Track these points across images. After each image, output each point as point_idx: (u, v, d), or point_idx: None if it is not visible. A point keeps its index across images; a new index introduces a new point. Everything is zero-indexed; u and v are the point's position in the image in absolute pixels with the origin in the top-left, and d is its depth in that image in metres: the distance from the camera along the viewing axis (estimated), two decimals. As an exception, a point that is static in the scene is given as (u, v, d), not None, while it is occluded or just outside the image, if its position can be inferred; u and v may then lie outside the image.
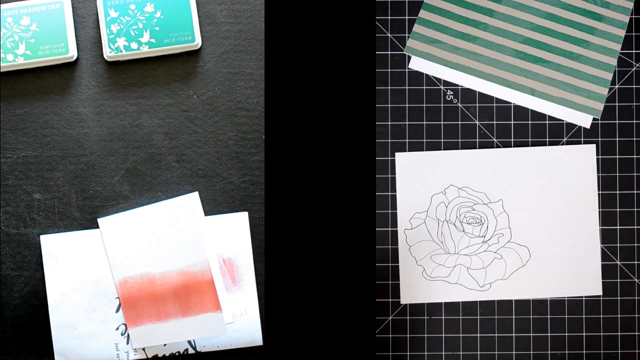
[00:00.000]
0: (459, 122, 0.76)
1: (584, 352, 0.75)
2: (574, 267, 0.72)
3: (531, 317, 0.75)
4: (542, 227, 0.71)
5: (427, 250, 0.71)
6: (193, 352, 0.72)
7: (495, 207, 0.71)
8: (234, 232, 0.72)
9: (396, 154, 0.71)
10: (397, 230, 0.74)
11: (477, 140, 0.76)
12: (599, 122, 0.75)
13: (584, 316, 0.75)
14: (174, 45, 0.71)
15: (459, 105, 0.76)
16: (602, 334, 0.75)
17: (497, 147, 0.75)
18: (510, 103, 0.76)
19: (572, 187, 0.71)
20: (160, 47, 0.71)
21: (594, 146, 0.69)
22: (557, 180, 0.70)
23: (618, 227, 0.76)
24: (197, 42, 0.71)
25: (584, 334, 0.75)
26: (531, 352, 0.75)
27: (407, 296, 0.72)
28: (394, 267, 0.76)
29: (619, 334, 0.75)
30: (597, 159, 0.73)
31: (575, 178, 0.70)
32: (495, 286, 0.71)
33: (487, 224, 0.71)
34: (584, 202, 0.71)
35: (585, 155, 0.70)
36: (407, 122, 0.76)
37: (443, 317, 0.76)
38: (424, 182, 0.71)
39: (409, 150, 0.74)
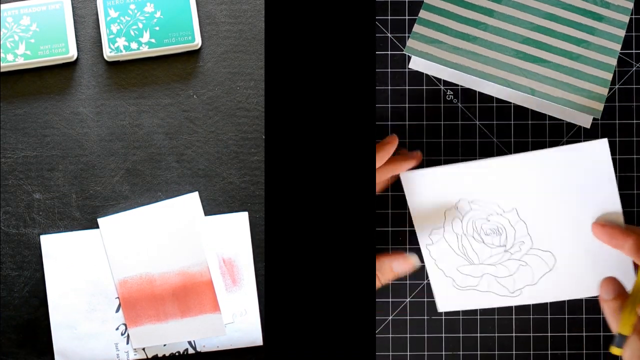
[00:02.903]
0: (459, 122, 0.76)
1: (584, 352, 0.75)
2: (606, 263, 0.68)
3: (531, 317, 0.75)
4: (563, 230, 0.68)
5: (452, 263, 0.70)
6: (193, 352, 0.72)
7: (510, 216, 0.69)
8: (234, 232, 0.72)
9: (400, 175, 0.68)
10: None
11: (477, 140, 0.76)
12: (599, 122, 0.75)
13: (584, 316, 0.75)
14: (174, 45, 0.71)
15: (459, 105, 0.76)
16: (602, 334, 0.75)
17: (497, 147, 0.75)
18: (510, 103, 0.76)
19: (588, 183, 0.67)
20: (160, 47, 0.71)
21: (605, 140, 0.66)
22: (569, 180, 0.67)
23: (618, 227, 0.76)
24: (197, 42, 0.71)
25: (584, 334, 0.75)
26: (531, 352, 0.75)
27: (444, 306, 0.71)
28: (394, 267, 0.76)
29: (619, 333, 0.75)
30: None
31: (590, 173, 0.67)
32: (526, 291, 0.69)
33: (505, 234, 0.69)
34: (603, 196, 0.67)
35: (598, 149, 0.66)
36: (407, 122, 0.76)
37: (443, 317, 0.76)
38: (434, 199, 0.69)
39: (409, 149, 0.74)
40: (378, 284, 0.65)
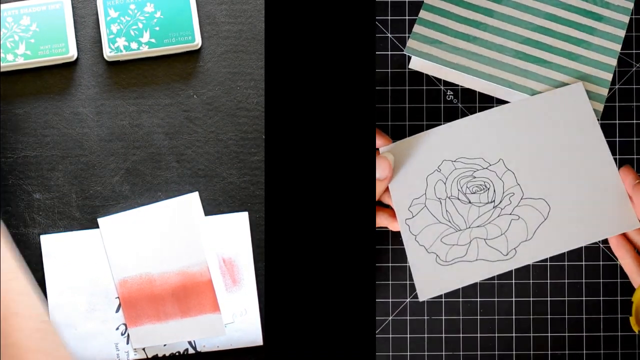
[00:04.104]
0: (459, 122, 0.76)
1: (584, 352, 0.75)
2: (601, 204, 0.64)
3: (531, 317, 0.75)
4: (553, 174, 0.65)
5: (435, 234, 0.65)
6: (193, 352, 0.72)
7: (497, 168, 0.65)
8: (234, 232, 0.72)
9: (380, 149, 0.66)
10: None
11: (477, 140, 0.76)
12: (599, 122, 0.75)
13: (584, 316, 0.75)
14: (174, 45, 0.71)
15: (459, 105, 0.76)
16: (602, 334, 0.75)
17: None
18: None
19: (571, 126, 0.65)
20: (160, 47, 0.71)
21: (580, 83, 0.64)
22: (552, 125, 0.65)
23: (618, 227, 0.76)
24: (197, 42, 0.71)
25: (584, 334, 0.75)
26: (531, 352, 0.75)
27: (426, 291, 0.65)
28: (394, 267, 0.76)
29: (619, 334, 0.75)
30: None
31: (571, 116, 0.65)
32: (521, 250, 0.64)
33: (493, 188, 0.65)
34: (588, 137, 0.64)
35: (576, 92, 0.64)
36: (407, 122, 0.76)
37: (443, 317, 0.76)
38: (414, 166, 0.66)
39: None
40: None
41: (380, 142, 0.69)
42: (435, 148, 0.66)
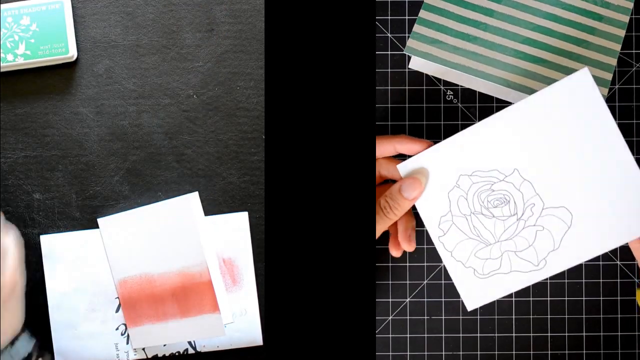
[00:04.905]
0: (459, 122, 0.76)
1: (584, 352, 0.75)
2: (624, 203, 0.63)
3: (531, 317, 0.75)
4: (570, 179, 0.64)
5: (468, 249, 0.66)
6: (193, 352, 0.72)
7: (514, 179, 0.65)
8: (234, 232, 0.72)
9: (397, 166, 0.66)
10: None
11: (477, 140, 0.76)
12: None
13: (584, 316, 0.75)
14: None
15: (459, 105, 0.76)
16: (602, 334, 0.75)
17: None
18: (510, 103, 0.76)
19: (582, 119, 0.63)
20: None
21: (586, 68, 0.61)
22: (562, 121, 0.63)
23: (618, 227, 0.76)
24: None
25: (584, 334, 0.75)
26: (531, 352, 0.75)
27: (471, 302, 0.67)
28: (393, 267, 0.76)
29: (619, 333, 0.75)
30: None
31: (580, 108, 0.62)
32: (550, 260, 0.64)
33: (513, 200, 0.65)
34: (601, 129, 0.63)
35: (583, 79, 0.61)
36: (407, 122, 0.76)
37: (443, 317, 0.76)
38: (433, 183, 0.67)
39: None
40: (389, 218, 0.63)
41: (418, 146, 0.67)
42: (450, 163, 0.66)
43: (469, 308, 0.66)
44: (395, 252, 0.70)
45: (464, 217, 0.66)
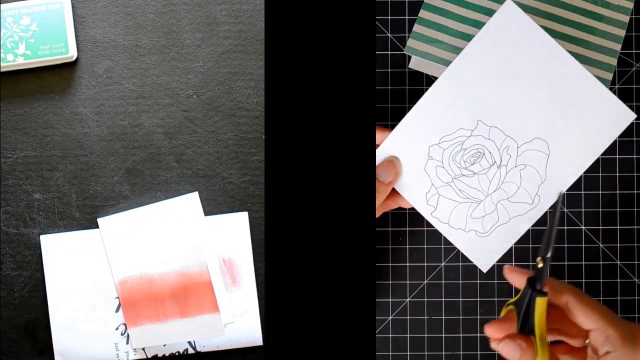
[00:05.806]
0: (459, 122, 0.76)
1: (584, 352, 0.75)
2: (591, 112, 0.64)
3: (531, 317, 0.75)
4: (534, 109, 0.64)
5: (463, 214, 0.66)
6: (193, 352, 0.72)
7: (480, 130, 0.65)
8: (234, 232, 0.72)
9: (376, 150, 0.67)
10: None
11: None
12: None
13: (584, 316, 0.75)
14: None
15: (459, 105, 0.76)
16: (602, 334, 0.75)
17: None
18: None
19: (525, 51, 0.64)
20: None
21: (509, 0, 0.63)
22: (505, 57, 0.63)
23: (618, 227, 0.76)
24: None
25: (584, 334, 0.75)
26: (531, 352, 0.75)
27: (483, 263, 0.66)
28: (393, 267, 0.76)
29: None
30: (598, 159, 0.73)
31: (522, 38, 0.63)
32: (542, 194, 0.65)
33: (487, 150, 0.66)
34: (546, 54, 0.63)
35: (511, 13, 0.62)
36: (407, 122, 0.76)
37: (443, 317, 0.76)
38: (407, 163, 0.67)
39: None
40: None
41: (380, 136, 0.68)
42: (415, 139, 0.66)
43: (484, 269, 0.67)
44: (406, 204, 0.69)
45: (448, 185, 0.67)
